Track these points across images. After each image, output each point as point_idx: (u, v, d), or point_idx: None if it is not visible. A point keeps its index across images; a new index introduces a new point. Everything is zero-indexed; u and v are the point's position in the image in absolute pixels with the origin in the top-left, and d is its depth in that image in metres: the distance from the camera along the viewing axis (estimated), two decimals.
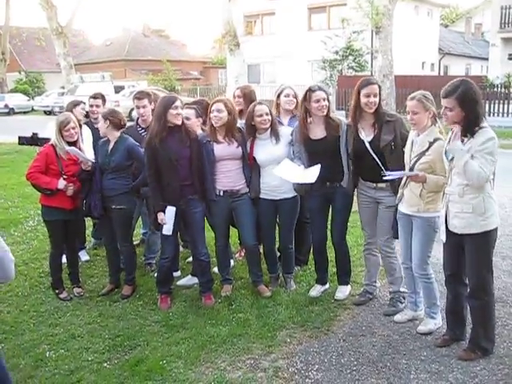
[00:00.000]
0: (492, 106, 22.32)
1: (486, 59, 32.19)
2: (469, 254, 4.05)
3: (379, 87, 4.79)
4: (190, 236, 5.42)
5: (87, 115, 6.79)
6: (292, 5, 32.63)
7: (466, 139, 3.92)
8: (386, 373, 4.04)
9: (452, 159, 3.99)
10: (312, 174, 4.85)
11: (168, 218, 5.03)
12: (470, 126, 3.89)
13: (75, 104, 6.61)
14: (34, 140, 6.05)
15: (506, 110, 22.27)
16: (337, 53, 28.78)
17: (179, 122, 4.99)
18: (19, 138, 6.11)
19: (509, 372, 3.99)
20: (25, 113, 37.27)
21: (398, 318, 4.84)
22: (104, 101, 6.98)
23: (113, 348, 4.51)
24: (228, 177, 5.24)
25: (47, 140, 5.72)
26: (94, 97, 6.89)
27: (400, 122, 4.75)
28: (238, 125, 5.33)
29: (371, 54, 27.76)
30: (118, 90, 30.22)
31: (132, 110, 27.04)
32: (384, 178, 4.49)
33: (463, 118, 3.87)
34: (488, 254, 4.06)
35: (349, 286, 5.45)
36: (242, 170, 5.28)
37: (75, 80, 30.68)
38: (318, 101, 4.92)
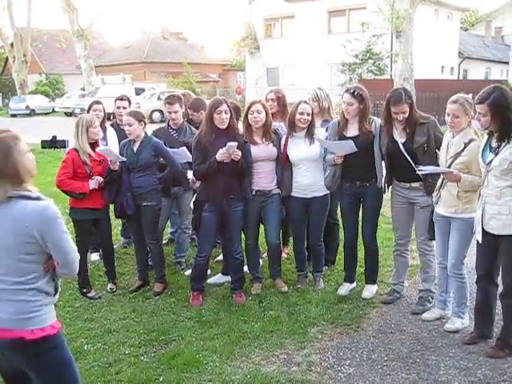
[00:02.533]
0: None
1: (507, 63, 32.09)
2: (504, 254, 4.14)
3: (409, 105, 4.81)
4: (227, 234, 5.52)
5: (109, 117, 6.93)
6: (312, 8, 32.77)
7: (502, 143, 4.03)
8: (416, 368, 4.16)
9: (490, 162, 4.08)
10: (349, 145, 4.99)
11: (231, 146, 4.98)
12: (504, 132, 3.99)
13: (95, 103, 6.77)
14: (53, 142, 6.14)
15: None
16: (356, 56, 28.86)
17: (223, 127, 5.12)
18: (42, 142, 6.16)
19: None
20: (46, 114, 37.76)
21: (426, 316, 4.95)
22: (130, 103, 7.16)
23: (148, 342, 4.65)
24: (262, 177, 5.40)
25: (64, 142, 5.86)
26: (121, 98, 7.07)
27: (433, 125, 4.85)
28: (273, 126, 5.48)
29: (391, 58, 27.82)
30: (138, 92, 30.57)
31: (153, 111, 27.63)
32: (417, 173, 4.61)
33: (497, 124, 3.99)
34: None
35: (376, 286, 5.57)
36: (274, 170, 5.43)
37: (96, 82, 31.11)
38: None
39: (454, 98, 4.44)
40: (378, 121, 5.21)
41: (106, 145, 6.15)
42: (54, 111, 38.43)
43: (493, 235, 4.15)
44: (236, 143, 4.96)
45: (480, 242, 4.29)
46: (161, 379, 4.05)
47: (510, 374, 4.03)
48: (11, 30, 40.20)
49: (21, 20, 57.70)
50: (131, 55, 48.02)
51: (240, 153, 5.02)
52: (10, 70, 45.28)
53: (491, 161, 4.07)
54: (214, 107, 5.07)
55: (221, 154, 4.99)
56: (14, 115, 36.62)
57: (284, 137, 5.48)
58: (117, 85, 30.00)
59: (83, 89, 34.67)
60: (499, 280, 4.40)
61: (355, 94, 5.07)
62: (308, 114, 5.32)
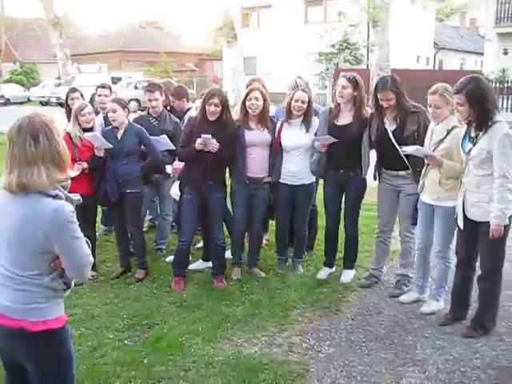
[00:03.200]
0: None
1: (481, 54, 32.42)
2: (483, 242, 4.28)
3: (394, 92, 4.89)
4: (209, 221, 5.59)
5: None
6: None
7: (480, 133, 4.15)
8: (394, 348, 4.31)
9: (469, 152, 4.21)
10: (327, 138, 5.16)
11: (206, 138, 5.09)
12: (481, 121, 4.12)
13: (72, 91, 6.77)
14: None
15: (500, 105, 22.57)
16: (333, 46, 29.01)
17: (212, 119, 5.20)
18: None
19: (507, 348, 4.28)
20: (21, 103, 37.24)
21: (403, 298, 5.11)
22: (111, 91, 7.17)
23: (132, 327, 4.72)
24: (254, 164, 5.46)
25: None
26: (103, 86, 7.08)
27: (424, 114, 4.93)
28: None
29: (367, 48, 27.99)
30: (115, 81, 30.26)
31: (130, 100, 27.43)
32: (402, 153, 4.75)
33: (475, 113, 4.10)
34: (503, 243, 4.28)
35: (353, 271, 5.71)
36: (267, 158, 5.51)
37: (72, 71, 30.79)
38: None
39: (433, 88, 4.54)
40: (369, 111, 5.31)
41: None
42: (29, 100, 37.89)
43: (474, 222, 4.28)
44: (210, 135, 5.05)
45: (462, 228, 4.41)
46: (145, 361, 4.12)
47: (482, 353, 4.21)
48: None
49: None
50: (107, 44, 47.53)
51: (216, 145, 5.10)
52: None
53: (470, 150, 4.19)
54: (207, 98, 5.15)
55: (198, 144, 5.09)
56: None
57: (279, 123, 5.56)
58: (93, 74, 29.71)
59: (59, 78, 34.26)
60: (477, 266, 4.55)
61: (350, 78, 5.17)
62: (303, 102, 5.38)
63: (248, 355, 4.19)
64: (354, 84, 5.17)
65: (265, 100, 5.40)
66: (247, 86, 6.21)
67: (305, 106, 5.41)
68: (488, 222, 4.15)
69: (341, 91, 5.20)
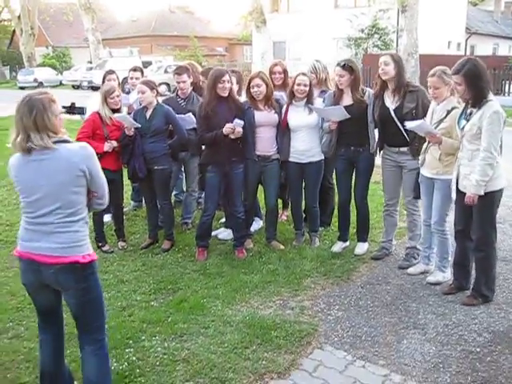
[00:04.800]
0: None
1: None
2: (475, 211, 4.60)
3: (393, 57, 5.30)
4: (230, 195, 5.96)
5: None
6: None
7: (474, 110, 4.46)
8: (398, 313, 4.65)
9: (463, 128, 4.52)
10: (339, 110, 5.47)
11: (238, 123, 5.53)
12: (475, 99, 4.44)
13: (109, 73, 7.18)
14: (72, 109, 6.63)
15: None
16: (362, 31, 28.99)
17: (225, 95, 5.58)
18: (62, 107, 6.65)
19: (505, 315, 4.59)
20: (53, 87, 37.98)
21: (411, 270, 5.43)
22: (142, 74, 7.57)
23: (158, 291, 5.14)
24: (263, 142, 5.84)
25: (82, 109, 6.31)
26: (134, 69, 7.50)
27: (422, 93, 5.26)
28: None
29: (397, 33, 27.86)
30: (145, 65, 30.68)
31: (160, 84, 27.88)
32: (405, 128, 5.05)
33: (470, 92, 4.42)
34: (492, 212, 4.60)
35: (367, 244, 6.04)
36: (275, 136, 5.88)
37: (104, 55, 31.27)
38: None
39: (432, 71, 4.87)
40: (370, 91, 5.63)
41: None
42: (61, 84, 38.75)
43: (466, 194, 4.58)
44: (242, 122, 5.48)
45: (454, 200, 4.75)
46: (169, 320, 4.53)
47: (480, 319, 4.53)
48: (18, 2, 40.34)
49: None
50: (138, 29, 48.11)
51: (241, 131, 5.53)
52: (17, 43, 45.48)
53: (464, 126, 4.52)
54: (219, 77, 5.51)
55: (227, 128, 5.48)
56: (22, 88, 36.91)
57: (285, 105, 5.90)
58: (124, 58, 30.30)
59: (90, 62, 34.90)
60: None
61: (345, 66, 5.49)
62: (305, 85, 5.72)
63: (262, 316, 4.57)
64: (350, 70, 5.49)
65: (267, 84, 5.73)
66: (270, 69, 6.55)
67: (307, 88, 5.74)
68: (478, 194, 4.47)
69: (339, 79, 5.53)
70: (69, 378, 3.50)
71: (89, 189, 3.16)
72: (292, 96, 5.82)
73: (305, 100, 5.80)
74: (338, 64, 5.56)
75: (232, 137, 5.55)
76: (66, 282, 3.11)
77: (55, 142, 3.01)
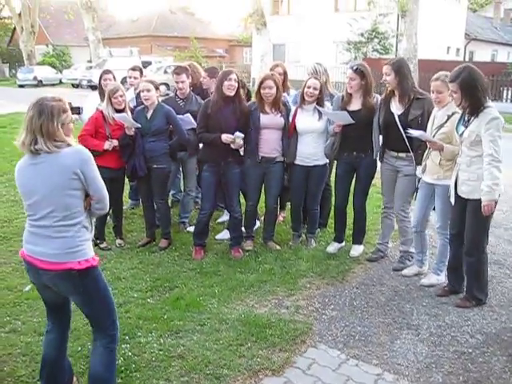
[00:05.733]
0: None
1: None
2: (469, 215, 4.65)
3: (393, 66, 5.27)
4: (226, 195, 6.03)
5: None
6: None
7: (472, 118, 4.52)
8: (392, 314, 4.70)
9: (462, 134, 4.57)
10: (344, 115, 5.50)
11: (238, 136, 5.58)
12: (472, 106, 4.49)
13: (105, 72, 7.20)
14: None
15: None
16: (362, 35, 29.07)
17: (231, 94, 5.62)
18: None
19: (497, 318, 4.65)
20: (53, 85, 38.11)
21: (405, 272, 5.49)
22: (141, 73, 7.61)
23: (154, 288, 5.17)
24: (268, 144, 5.88)
25: (78, 108, 6.37)
26: (133, 69, 7.54)
27: (429, 101, 5.26)
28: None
29: (396, 37, 27.99)
30: (145, 65, 30.72)
31: (160, 84, 27.92)
32: (406, 135, 5.10)
33: (466, 100, 4.47)
34: (486, 218, 4.62)
35: (362, 246, 6.10)
36: (280, 139, 5.92)
37: (104, 54, 31.31)
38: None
39: (435, 76, 4.91)
40: (379, 97, 5.66)
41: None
42: (61, 82, 38.77)
43: (464, 199, 4.65)
44: (243, 135, 5.53)
45: (453, 204, 4.79)
46: (165, 317, 4.57)
47: (473, 320, 4.59)
48: (19, 0, 40.40)
49: None
50: (138, 29, 48.16)
51: (242, 143, 5.62)
52: (17, 40, 45.50)
53: (463, 133, 4.57)
54: (225, 76, 5.58)
55: (226, 139, 5.55)
56: (21, 86, 37.02)
57: (293, 108, 5.95)
58: (124, 57, 30.33)
59: (90, 61, 34.93)
60: None
61: (357, 70, 5.51)
62: (315, 89, 5.75)
63: (258, 314, 4.61)
64: (361, 74, 5.51)
65: (277, 87, 5.78)
66: (271, 70, 6.59)
67: (316, 92, 5.76)
68: (474, 200, 4.53)
69: (349, 82, 5.55)
70: (68, 369, 3.55)
71: (87, 193, 3.16)
72: (303, 99, 5.86)
73: (314, 104, 5.82)
74: (351, 67, 5.60)
75: (233, 147, 5.62)
76: (65, 287, 3.15)
77: (56, 147, 3.03)
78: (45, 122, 2.98)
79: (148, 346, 4.12)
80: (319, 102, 5.83)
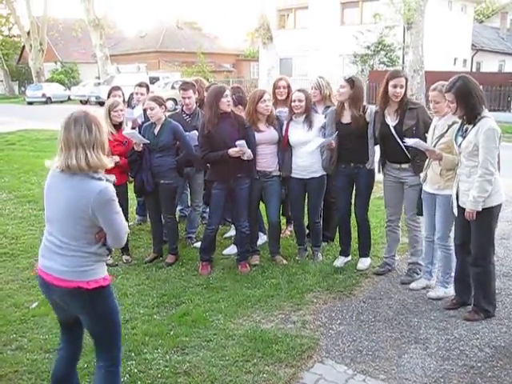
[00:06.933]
0: None
1: None
2: (473, 226, 4.63)
3: (406, 79, 5.38)
4: (235, 210, 6.05)
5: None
6: None
7: (469, 127, 4.53)
8: (399, 328, 4.66)
9: (460, 144, 4.57)
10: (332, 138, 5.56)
11: (241, 144, 5.54)
12: (469, 116, 4.51)
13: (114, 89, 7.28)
14: None
15: None
16: (368, 48, 29.18)
17: (229, 110, 5.65)
18: None
19: (506, 330, 4.59)
20: (61, 102, 38.41)
21: (413, 285, 5.44)
22: (148, 89, 7.66)
23: (161, 304, 5.16)
24: (264, 159, 5.91)
25: None
26: (140, 85, 7.60)
27: (422, 110, 5.32)
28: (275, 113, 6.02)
29: (403, 50, 28.05)
30: (152, 81, 31.03)
31: (167, 100, 28.09)
32: (404, 145, 5.10)
33: (462, 109, 4.49)
34: (490, 227, 4.62)
35: (369, 259, 6.06)
36: (276, 153, 5.95)
37: (112, 71, 31.66)
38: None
39: (433, 86, 4.96)
40: (372, 108, 5.67)
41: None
42: (69, 99, 39.06)
43: (465, 209, 4.61)
44: (243, 141, 5.50)
45: (456, 215, 4.77)
46: (171, 333, 4.56)
47: (482, 334, 4.53)
48: (28, 18, 40.93)
49: (37, 9, 58.44)
50: (146, 44, 48.52)
51: (250, 152, 5.57)
52: (26, 58, 46.05)
53: (461, 143, 4.57)
54: (221, 93, 5.57)
55: (234, 152, 5.54)
56: (30, 103, 37.37)
57: (286, 122, 5.97)
58: (131, 74, 30.56)
59: (98, 77, 35.25)
60: None
61: (348, 79, 5.56)
62: (300, 101, 5.77)
63: (264, 330, 4.58)
64: (351, 83, 5.54)
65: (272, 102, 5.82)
66: (274, 85, 6.63)
67: (302, 103, 5.78)
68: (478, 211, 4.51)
69: (338, 90, 5.61)
70: None
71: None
72: (292, 113, 5.89)
73: (304, 116, 5.85)
74: (344, 76, 5.66)
75: (244, 158, 5.60)
76: (73, 305, 3.12)
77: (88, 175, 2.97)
78: (95, 134, 2.96)
79: (154, 362, 4.10)
80: (308, 114, 5.84)
